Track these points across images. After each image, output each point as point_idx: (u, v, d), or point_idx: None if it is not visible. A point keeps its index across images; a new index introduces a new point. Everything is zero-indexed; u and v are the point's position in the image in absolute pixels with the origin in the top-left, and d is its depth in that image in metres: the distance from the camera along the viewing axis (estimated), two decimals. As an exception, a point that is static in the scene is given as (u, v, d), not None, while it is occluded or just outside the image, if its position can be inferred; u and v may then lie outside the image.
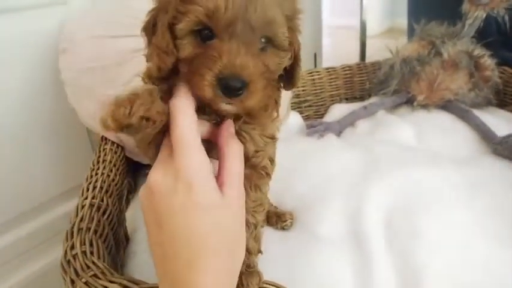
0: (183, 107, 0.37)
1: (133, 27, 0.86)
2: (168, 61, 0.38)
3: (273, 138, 0.45)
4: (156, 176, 0.37)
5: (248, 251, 0.45)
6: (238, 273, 0.39)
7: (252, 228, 0.45)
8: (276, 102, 0.45)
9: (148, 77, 0.41)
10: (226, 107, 0.37)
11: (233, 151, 0.39)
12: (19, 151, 0.89)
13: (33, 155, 0.92)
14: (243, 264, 0.43)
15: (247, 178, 0.42)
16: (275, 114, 0.46)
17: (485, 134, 0.99)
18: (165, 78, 0.40)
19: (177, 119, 0.36)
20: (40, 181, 0.95)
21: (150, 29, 0.40)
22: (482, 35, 1.15)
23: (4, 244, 0.90)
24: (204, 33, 0.36)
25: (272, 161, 0.46)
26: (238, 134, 0.41)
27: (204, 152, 0.37)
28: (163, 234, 0.36)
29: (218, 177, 0.38)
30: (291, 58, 0.41)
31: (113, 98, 0.37)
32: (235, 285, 0.38)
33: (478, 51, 1.13)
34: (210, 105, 0.38)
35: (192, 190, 0.35)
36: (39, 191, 0.95)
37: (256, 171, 0.44)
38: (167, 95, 0.39)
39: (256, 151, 0.42)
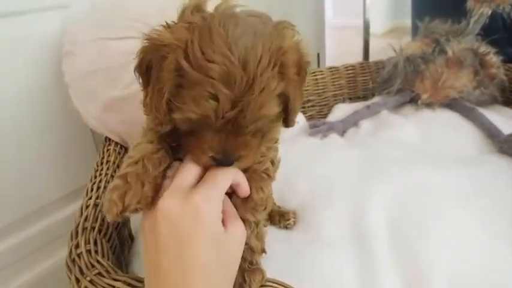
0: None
1: (134, 29, 0.88)
2: (165, 124, 0.40)
3: (276, 141, 0.48)
4: (169, 202, 0.38)
5: (251, 249, 0.45)
6: None
7: (253, 226, 0.45)
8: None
9: (151, 129, 0.44)
10: None
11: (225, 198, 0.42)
12: (23, 153, 0.90)
13: (37, 157, 0.93)
14: (246, 261, 0.44)
15: (249, 180, 0.44)
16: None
17: (490, 132, 0.99)
18: None
19: (222, 174, 0.40)
20: (44, 183, 0.95)
21: (143, 72, 0.40)
22: (488, 32, 1.14)
23: (8, 246, 0.90)
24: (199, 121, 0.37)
25: (273, 163, 0.47)
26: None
27: (219, 190, 0.40)
28: (164, 258, 0.38)
29: (223, 214, 0.41)
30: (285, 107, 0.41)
31: (108, 189, 0.40)
32: None
33: (483, 48, 1.12)
34: None
35: (201, 220, 0.38)
36: (43, 192, 0.95)
37: (258, 174, 0.45)
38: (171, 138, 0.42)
39: (260, 156, 0.44)
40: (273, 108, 0.38)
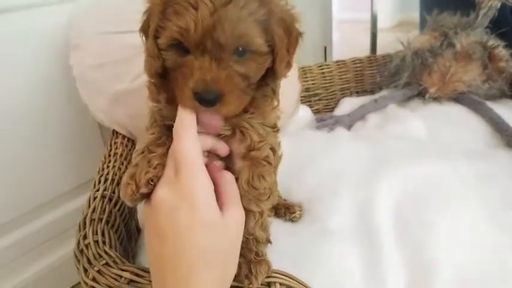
0: (186, 127, 0.40)
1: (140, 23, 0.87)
2: (155, 66, 0.41)
3: (274, 127, 0.47)
4: (162, 194, 0.39)
5: (256, 240, 0.45)
6: (229, 285, 0.41)
7: (257, 216, 0.45)
8: (274, 92, 0.47)
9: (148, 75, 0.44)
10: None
11: (227, 178, 0.43)
12: (31, 147, 0.91)
13: (45, 150, 0.94)
14: (251, 252, 0.44)
15: (250, 168, 0.44)
16: (275, 102, 0.47)
17: (498, 127, 0.98)
18: (163, 77, 0.43)
19: (181, 140, 0.39)
20: (53, 176, 0.96)
21: (146, 29, 0.42)
22: (497, 25, 1.13)
23: (18, 238, 0.92)
24: (181, 48, 0.39)
25: (274, 151, 0.47)
26: (241, 125, 0.43)
27: (206, 172, 0.40)
28: (165, 248, 0.38)
29: (218, 199, 0.41)
30: (273, 57, 0.42)
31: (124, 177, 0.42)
32: None
33: (492, 41, 1.11)
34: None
35: (195, 208, 0.38)
36: (52, 186, 0.97)
37: (259, 162, 0.45)
38: (170, 103, 0.43)
39: (259, 141, 0.44)
40: (255, 36, 0.38)
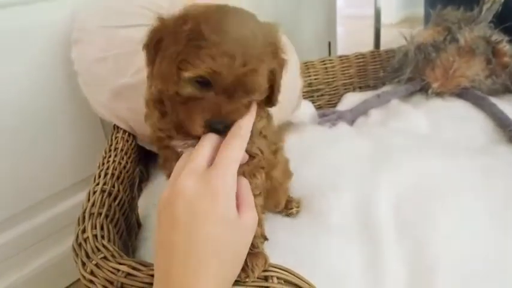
0: (236, 135, 0.44)
1: (144, 16, 0.88)
2: (171, 88, 0.44)
3: (260, 133, 0.52)
4: (187, 182, 0.40)
5: None
6: (231, 286, 0.41)
7: None
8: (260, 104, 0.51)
9: (153, 101, 0.49)
10: None
11: (243, 183, 0.45)
12: (34, 141, 0.91)
13: (47, 145, 0.94)
14: None
15: (241, 168, 0.47)
16: (262, 112, 0.52)
17: (501, 122, 0.97)
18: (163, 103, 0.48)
19: (228, 144, 0.42)
20: (54, 171, 0.96)
21: (152, 49, 0.44)
22: (501, 20, 1.12)
23: (20, 233, 0.92)
24: (204, 83, 0.42)
25: (262, 151, 0.50)
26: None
27: (236, 177, 0.42)
28: (179, 237, 0.38)
29: (239, 200, 0.42)
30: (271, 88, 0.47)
31: None
32: None
33: (496, 36, 1.10)
34: None
35: (217, 202, 0.39)
36: (53, 180, 0.97)
37: (251, 160, 0.49)
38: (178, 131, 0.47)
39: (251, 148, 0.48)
40: (265, 82, 0.44)
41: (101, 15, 0.85)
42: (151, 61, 0.44)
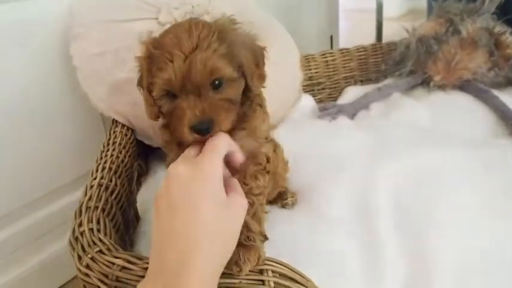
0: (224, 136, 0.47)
1: (142, 10, 0.87)
2: (153, 112, 0.51)
3: (267, 139, 0.54)
4: (179, 167, 0.43)
5: (247, 226, 0.46)
6: (222, 269, 0.42)
7: (248, 206, 0.46)
8: (261, 105, 0.54)
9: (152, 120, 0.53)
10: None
11: (233, 180, 0.47)
12: (34, 137, 0.91)
13: (48, 141, 0.94)
14: (242, 234, 0.45)
15: (244, 170, 0.50)
16: (264, 116, 0.54)
17: (504, 115, 0.97)
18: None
19: (218, 140, 0.45)
20: (55, 167, 0.96)
21: (142, 84, 0.51)
22: (504, 11, 1.10)
23: (20, 229, 0.92)
24: (171, 95, 0.47)
25: (268, 158, 0.53)
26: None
27: (222, 163, 0.45)
28: (176, 220, 0.40)
29: (227, 187, 0.44)
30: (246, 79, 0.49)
31: None
32: (217, 276, 0.40)
33: (499, 28, 1.09)
34: None
35: (208, 181, 0.42)
36: (54, 176, 0.97)
37: (254, 165, 0.51)
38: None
39: (251, 154, 0.51)
40: (223, 68, 0.45)
41: (99, 10, 0.85)
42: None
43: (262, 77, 0.51)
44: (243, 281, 0.43)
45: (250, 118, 0.51)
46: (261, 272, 0.44)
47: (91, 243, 0.48)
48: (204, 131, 0.45)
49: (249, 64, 0.48)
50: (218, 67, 0.45)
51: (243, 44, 0.48)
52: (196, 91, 0.45)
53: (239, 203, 0.44)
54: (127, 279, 0.43)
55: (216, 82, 0.46)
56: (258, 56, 0.51)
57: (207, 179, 0.42)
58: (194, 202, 0.40)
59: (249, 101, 0.51)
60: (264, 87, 0.53)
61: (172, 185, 0.42)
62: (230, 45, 0.46)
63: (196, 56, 0.44)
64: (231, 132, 0.48)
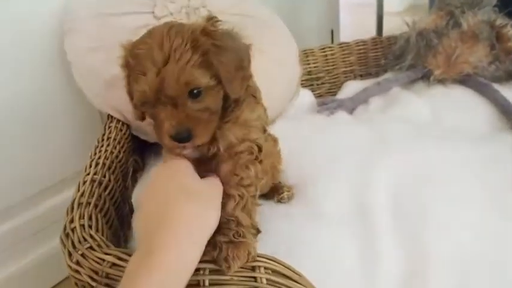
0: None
1: (137, 4, 0.86)
2: (137, 115, 0.53)
3: (265, 132, 0.55)
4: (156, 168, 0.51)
5: (238, 222, 0.45)
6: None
7: (237, 199, 0.47)
8: (254, 96, 0.54)
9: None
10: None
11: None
12: (32, 133, 0.90)
13: (45, 136, 0.93)
14: (231, 230, 0.44)
15: (232, 160, 0.50)
16: (256, 106, 0.54)
17: (505, 109, 0.95)
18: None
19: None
20: (53, 162, 0.95)
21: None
22: (505, 4, 1.09)
23: (16, 224, 0.92)
24: (150, 103, 0.46)
25: (260, 146, 0.52)
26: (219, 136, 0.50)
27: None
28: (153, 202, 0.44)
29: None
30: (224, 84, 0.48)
31: None
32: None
33: (500, 21, 1.08)
34: None
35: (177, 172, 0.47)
36: (53, 171, 0.96)
37: (240, 155, 0.50)
38: None
39: (236, 141, 0.50)
40: (197, 77, 0.45)
41: (92, 4, 0.84)
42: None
43: (245, 78, 0.51)
44: (235, 278, 0.42)
45: (237, 110, 0.51)
46: (253, 268, 0.43)
47: (82, 239, 0.47)
48: (183, 140, 0.46)
49: (227, 69, 0.47)
50: (192, 78, 0.44)
51: (220, 49, 0.46)
52: (173, 101, 0.45)
53: (212, 185, 0.47)
54: (117, 276, 0.43)
55: (195, 91, 0.45)
56: (242, 56, 0.49)
57: (176, 170, 0.47)
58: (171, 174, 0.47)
59: (233, 103, 0.51)
60: (244, 90, 0.51)
61: (153, 181, 0.47)
62: (204, 53, 0.45)
63: (168, 69, 0.44)
64: (218, 126, 0.49)
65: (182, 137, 0.45)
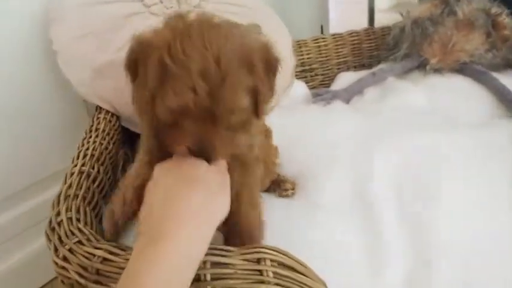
0: None
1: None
2: (145, 117, 0.46)
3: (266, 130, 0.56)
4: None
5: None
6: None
7: None
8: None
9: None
10: None
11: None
12: (18, 126, 0.87)
13: (32, 129, 0.90)
14: None
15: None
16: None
17: (503, 97, 0.94)
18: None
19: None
20: (40, 156, 0.92)
21: (131, 70, 0.44)
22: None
23: (10, 218, 0.89)
24: (179, 111, 0.41)
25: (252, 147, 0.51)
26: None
27: None
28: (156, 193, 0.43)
29: None
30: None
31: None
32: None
33: (496, 8, 1.06)
34: None
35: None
36: (37, 168, 0.93)
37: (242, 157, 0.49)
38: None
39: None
40: (243, 100, 0.41)
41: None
42: (132, 81, 0.44)
43: (271, 93, 0.46)
44: (239, 271, 0.39)
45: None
46: (258, 261, 0.40)
47: (69, 233, 0.44)
48: (199, 155, 0.43)
49: (266, 95, 0.44)
50: (241, 103, 0.41)
51: (263, 63, 0.43)
52: (209, 118, 0.41)
53: (219, 171, 0.46)
54: (108, 271, 0.39)
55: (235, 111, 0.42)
56: (273, 71, 0.45)
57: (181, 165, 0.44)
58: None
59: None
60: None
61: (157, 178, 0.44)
62: (256, 78, 0.42)
63: (223, 94, 0.39)
64: None
65: (202, 153, 0.42)
